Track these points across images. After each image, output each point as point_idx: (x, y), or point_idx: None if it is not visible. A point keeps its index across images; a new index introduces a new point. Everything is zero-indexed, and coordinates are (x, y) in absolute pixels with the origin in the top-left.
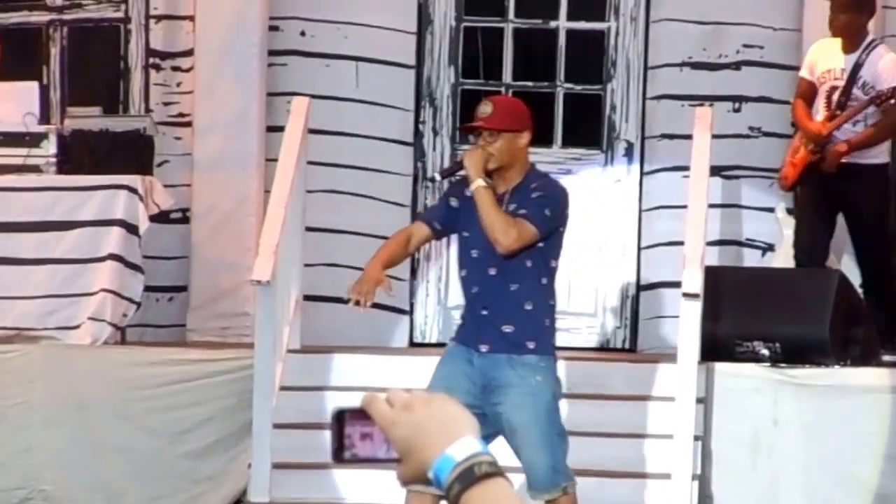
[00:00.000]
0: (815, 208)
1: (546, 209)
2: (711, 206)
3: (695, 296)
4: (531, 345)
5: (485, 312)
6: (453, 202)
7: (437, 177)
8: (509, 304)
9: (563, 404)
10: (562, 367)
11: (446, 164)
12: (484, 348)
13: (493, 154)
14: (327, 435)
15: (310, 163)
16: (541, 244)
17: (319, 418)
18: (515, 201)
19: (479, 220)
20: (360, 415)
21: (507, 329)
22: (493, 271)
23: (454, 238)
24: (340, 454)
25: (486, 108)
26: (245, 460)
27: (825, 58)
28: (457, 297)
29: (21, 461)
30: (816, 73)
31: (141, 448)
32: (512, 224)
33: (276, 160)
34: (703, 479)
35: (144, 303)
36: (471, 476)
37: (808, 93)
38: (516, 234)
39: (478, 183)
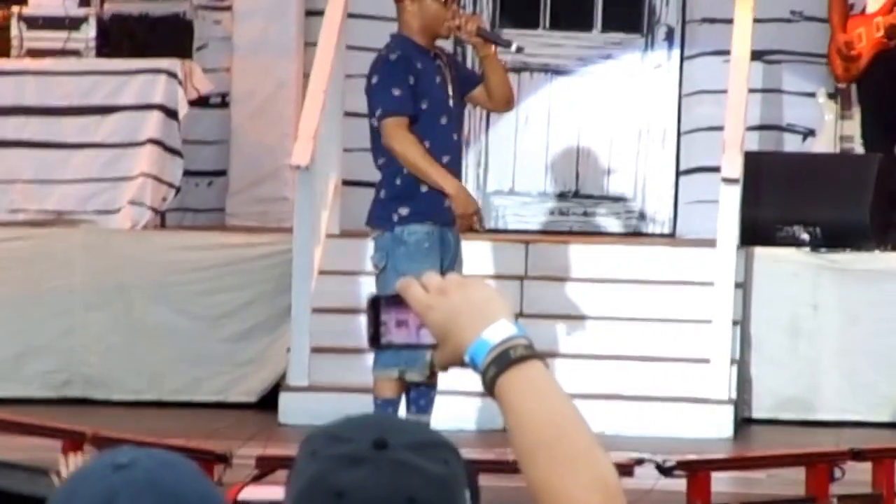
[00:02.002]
0: (884, 93)
1: None
2: (752, 90)
3: (734, 180)
4: None
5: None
6: (410, 80)
7: (515, 47)
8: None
9: (605, 289)
10: (600, 252)
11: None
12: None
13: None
14: (365, 319)
15: (349, 47)
16: None
17: (358, 302)
18: (455, 68)
19: (443, 86)
20: (396, 300)
21: None
22: (455, 137)
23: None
24: (377, 340)
25: None
26: (284, 344)
27: None
28: (498, 181)
29: (62, 344)
30: None
31: (181, 331)
32: None
33: (315, 44)
34: (742, 364)
35: (184, 187)
36: (506, 359)
37: None
38: None
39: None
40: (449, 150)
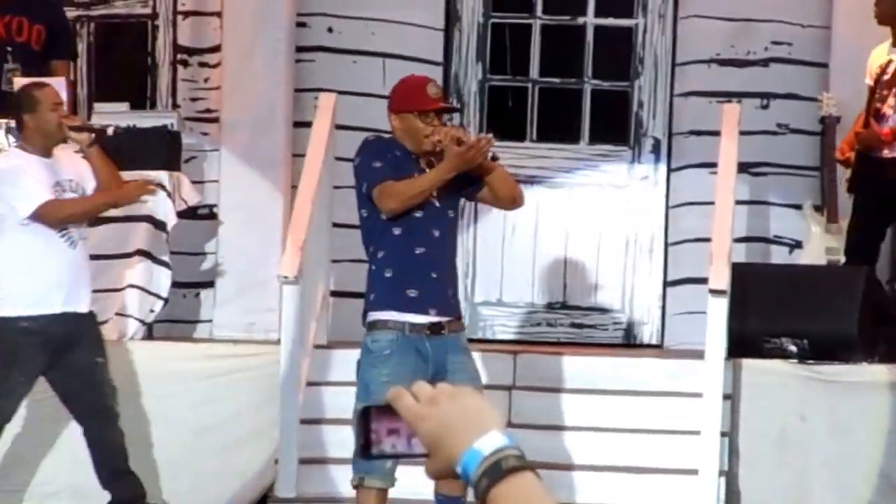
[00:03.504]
0: (869, 208)
1: None
2: (739, 202)
3: (722, 292)
4: (461, 311)
5: (435, 276)
6: (389, 156)
7: (491, 155)
8: (452, 269)
9: (593, 399)
10: (590, 363)
11: None
12: (433, 311)
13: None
14: (355, 430)
15: (337, 158)
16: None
17: (346, 414)
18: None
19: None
20: (387, 410)
21: (451, 293)
22: (437, 233)
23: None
24: (368, 451)
25: (437, 95)
26: (272, 455)
27: (877, 57)
28: (486, 292)
29: (48, 455)
30: (874, 75)
31: (167, 442)
32: None
33: (303, 156)
34: (731, 476)
35: (171, 298)
36: (498, 470)
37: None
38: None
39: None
40: (424, 244)
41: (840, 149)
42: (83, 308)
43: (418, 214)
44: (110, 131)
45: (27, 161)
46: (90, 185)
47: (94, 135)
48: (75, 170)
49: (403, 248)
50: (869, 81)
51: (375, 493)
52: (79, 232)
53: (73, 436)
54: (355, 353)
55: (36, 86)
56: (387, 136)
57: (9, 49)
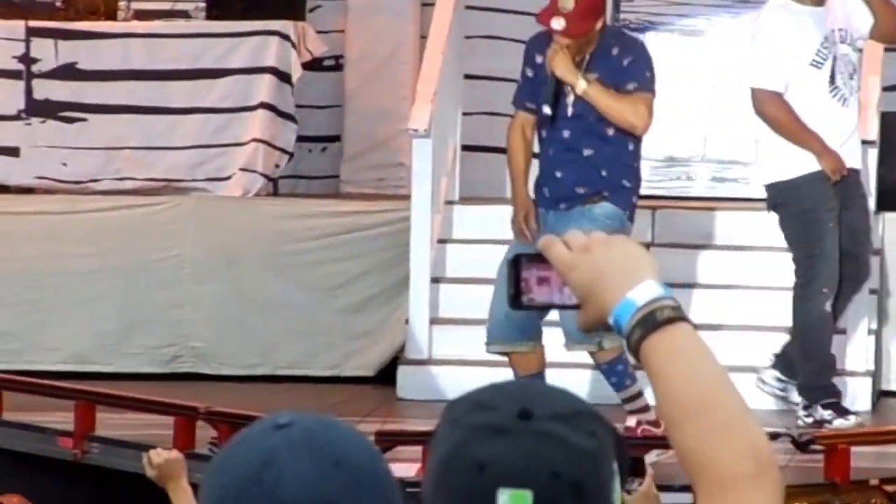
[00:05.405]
0: None
1: (646, 71)
2: (887, 50)
3: (871, 143)
4: (606, 193)
5: (559, 175)
6: (528, 72)
7: (547, 110)
8: (583, 169)
9: (734, 256)
10: (731, 218)
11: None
12: (563, 206)
13: (569, 46)
14: (488, 289)
15: (468, 7)
16: None
17: (479, 272)
18: (597, 69)
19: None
20: (538, 259)
21: (581, 190)
22: (566, 134)
23: None
24: (518, 300)
25: (564, 10)
26: (402, 316)
27: None
28: None
29: (171, 317)
30: None
31: (294, 303)
32: (635, 102)
33: (432, 4)
34: (879, 335)
35: (297, 153)
36: (652, 321)
37: None
38: (645, 111)
39: (581, 86)
40: (554, 145)
41: None
42: (858, 165)
43: (547, 111)
44: None
45: (791, 20)
46: (864, 28)
47: None
48: (845, 14)
49: (542, 148)
50: None
51: (529, 355)
52: (850, 87)
53: (196, 298)
54: (487, 210)
55: None
56: None
57: None
